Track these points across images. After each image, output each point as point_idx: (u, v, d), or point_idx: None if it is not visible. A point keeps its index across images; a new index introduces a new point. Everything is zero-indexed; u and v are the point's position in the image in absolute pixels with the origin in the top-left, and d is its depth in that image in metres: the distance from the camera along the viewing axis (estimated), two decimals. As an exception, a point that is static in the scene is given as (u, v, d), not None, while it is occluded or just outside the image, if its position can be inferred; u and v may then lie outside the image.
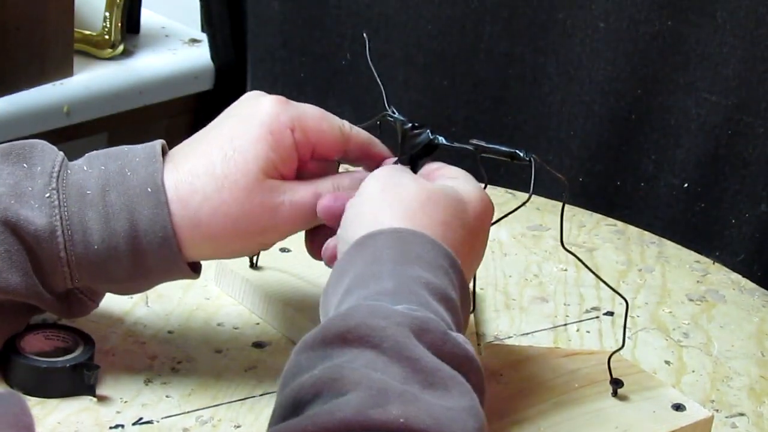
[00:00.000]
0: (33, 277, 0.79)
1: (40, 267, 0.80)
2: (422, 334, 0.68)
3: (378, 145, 0.86)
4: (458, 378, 0.67)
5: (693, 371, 0.95)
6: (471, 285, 0.85)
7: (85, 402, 0.83)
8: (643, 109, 1.44)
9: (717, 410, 0.91)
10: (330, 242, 0.83)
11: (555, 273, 1.07)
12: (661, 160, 1.44)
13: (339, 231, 0.80)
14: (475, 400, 0.67)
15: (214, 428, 0.82)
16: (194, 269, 0.84)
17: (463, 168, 0.84)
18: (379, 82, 0.88)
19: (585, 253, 1.11)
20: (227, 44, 1.73)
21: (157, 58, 1.73)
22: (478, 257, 0.82)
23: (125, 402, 0.83)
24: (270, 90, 0.86)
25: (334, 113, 0.85)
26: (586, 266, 0.87)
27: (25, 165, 0.81)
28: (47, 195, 0.80)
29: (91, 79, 1.63)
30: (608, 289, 0.87)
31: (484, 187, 0.84)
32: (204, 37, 1.76)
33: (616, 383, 0.86)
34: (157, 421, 0.82)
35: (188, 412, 0.83)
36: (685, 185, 1.43)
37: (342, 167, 0.87)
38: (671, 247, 1.15)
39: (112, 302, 0.90)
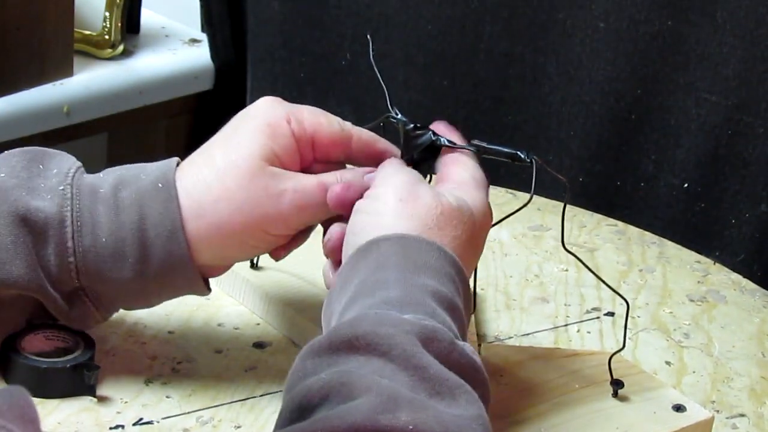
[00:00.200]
0: (38, 270, 0.80)
1: (47, 260, 0.80)
2: (430, 344, 0.68)
3: (382, 142, 0.86)
4: (465, 387, 0.68)
5: (694, 372, 0.95)
6: (471, 285, 0.85)
7: (85, 402, 0.83)
8: (643, 109, 1.44)
9: (717, 411, 0.91)
10: (333, 231, 0.82)
11: (556, 273, 1.07)
12: (661, 160, 1.44)
13: (347, 237, 0.79)
14: (482, 409, 0.67)
15: (214, 428, 0.82)
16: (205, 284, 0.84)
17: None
18: (383, 84, 0.88)
19: (586, 254, 1.11)
20: (227, 44, 1.73)
21: (157, 58, 1.73)
22: (476, 259, 0.83)
23: (125, 402, 0.83)
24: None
25: (334, 113, 0.85)
26: (587, 267, 0.87)
27: (41, 166, 0.82)
28: (61, 188, 0.81)
29: (91, 79, 1.63)
30: (609, 289, 0.87)
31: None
32: (204, 37, 1.76)
33: (617, 384, 0.86)
34: (158, 422, 0.82)
35: (188, 412, 0.83)
36: (685, 185, 1.43)
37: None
38: (672, 248, 1.15)
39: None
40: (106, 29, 1.67)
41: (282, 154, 0.82)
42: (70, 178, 0.81)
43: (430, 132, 0.85)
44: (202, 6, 1.74)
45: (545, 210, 1.18)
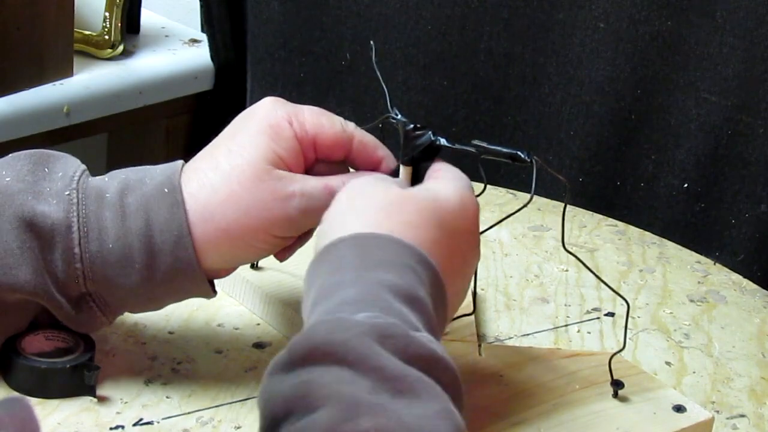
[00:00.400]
0: (44, 275, 0.80)
1: (54, 265, 0.80)
2: (385, 341, 0.67)
3: (382, 149, 0.86)
4: (425, 380, 0.67)
5: (694, 372, 0.95)
6: (471, 285, 0.85)
7: (85, 402, 0.83)
8: (643, 109, 1.44)
9: (718, 411, 0.91)
10: None
11: (556, 273, 1.07)
12: (661, 160, 1.44)
13: (315, 244, 0.79)
14: (447, 401, 0.66)
15: (214, 429, 0.82)
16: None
17: (463, 168, 0.83)
18: (384, 87, 0.88)
19: (586, 254, 1.11)
20: (227, 44, 1.73)
21: (157, 58, 1.73)
22: (465, 257, 0.80)
23: (125, 403, 0.83)
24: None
25: (334, 113, 0.85)
26: (587, 267, 0.87)
27: (46, 169, 0.82)
28: (67, 193, 0.81)
29: (91, 79, 1.63)
30: (609, 289, 0.87)
31: (484, 188, 0.84)
32: (204, 37, 1.76)
33: (617, 384, 0.86)
34: (158, 422, 0.82)
35: (188, 412, 0.83)
36: (685, 185, 1.43)
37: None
38: (672, 248, 1.15)
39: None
40: (106, 29, 1.67)
41: (285, 156, 0.82)
42: (76, 182, 0.81)
43: (430, 132, 0.85)
44: (202, 6, 1.74)
45: (545, 210, 1.18)
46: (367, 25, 1.56)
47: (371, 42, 0.92)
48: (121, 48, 1.68)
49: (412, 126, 0.85)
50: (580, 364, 0.90)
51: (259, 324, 0.94)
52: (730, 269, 1.13)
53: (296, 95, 1.62)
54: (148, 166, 0.84)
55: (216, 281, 0.87)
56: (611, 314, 1.01)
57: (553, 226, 1.15)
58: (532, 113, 1.51)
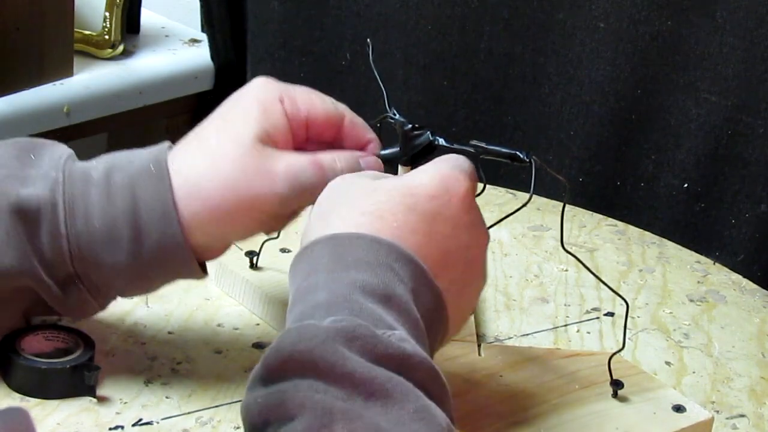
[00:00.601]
0: (31, 258, 0.79)
1: (40, 245, 0.80)
2: (351, 344, 0.67)
3: (371, 132, 0.86)
4: (396, 379, 0.66)
5: (693, 372, 0.95)
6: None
7: (85, 403, 0.83)
8: (643, 109, 1.44)
9: (717, 411, 0.91)
10: None
11: (555, 273, 1.07)
12: (661, 160, 1.44)
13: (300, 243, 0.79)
14: (420, 398, 0.66)
15: (214, 429, 0.82)
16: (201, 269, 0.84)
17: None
18: (382, 86, 0.88)
19: (585, 254, 1.11)
20: (227, 44, 1.73)
21: (157, 58, 1.73)
22: (458, 239, 0.77)
23: (125, 403, 0.83)
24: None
25: None
26: (586, 267, 0.87)
27: (32, 156, 0.82)
28: (53, 174, 0.81)
29: (91, 79, 1.63)
30: (609, 289, 0.87)
31: (483, 188, 0.84)
32: (204, 37, 1.76)
33: (617, 384, 0.86)
34: (157, 422, 0.82)
35: (188, 413, 0.83)
36: (685, 185, 1.43)
37: None
38: (672, 248, 1.15)
39: (112, 302, 0.89)
40: (106, 29, 1.67)
41: (275, 133, 0.82)
42: (62, 164, 0.81)
43: (428, 132, 0.85)
44: (202, 6, 1.75)
45: (545, 210, 1.18)
46: (367, 25, 1.56)
47: (368, 41, 0.92)
48: (121, 48, 1.68)
49: (410, 126, 0.85)
50: (579, 364, 0.90)
51: (258, 324, 0.94)
52: (730, 269, 1.13)
53: (296, 95, 1.62)
54: (137, 149, 0.84)
55: (216, 281, 0.87)
56: (611, 314, 1.01)
57: (553, 226, 1.15)
58: (532, 113, 1.51)
